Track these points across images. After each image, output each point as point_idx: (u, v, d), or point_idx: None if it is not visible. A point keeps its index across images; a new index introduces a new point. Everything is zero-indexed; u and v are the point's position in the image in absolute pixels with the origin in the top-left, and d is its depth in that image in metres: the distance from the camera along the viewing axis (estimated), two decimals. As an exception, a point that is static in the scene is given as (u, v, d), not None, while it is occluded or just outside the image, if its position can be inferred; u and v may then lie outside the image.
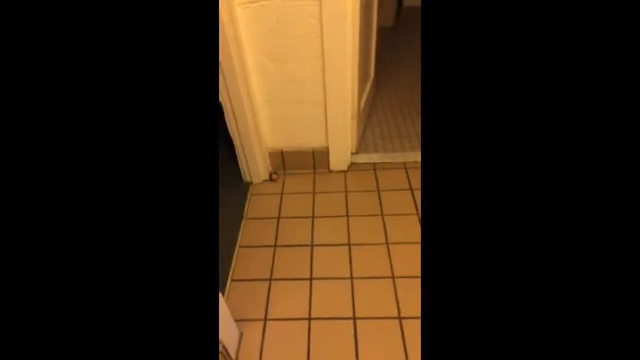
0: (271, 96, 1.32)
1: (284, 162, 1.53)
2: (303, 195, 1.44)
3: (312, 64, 1.23)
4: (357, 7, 1.15)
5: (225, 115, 1.32)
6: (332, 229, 1.29)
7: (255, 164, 1.46)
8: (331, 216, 1.34)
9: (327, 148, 1.48)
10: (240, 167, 1.49)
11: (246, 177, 1.51)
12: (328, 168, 1.54)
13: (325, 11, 1.09)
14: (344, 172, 1.53)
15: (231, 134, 1.38)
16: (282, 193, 1.45)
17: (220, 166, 1.58)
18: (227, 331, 0.94)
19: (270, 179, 1.52)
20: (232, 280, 1.15)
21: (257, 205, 1.41)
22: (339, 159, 1.51)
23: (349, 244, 1.23)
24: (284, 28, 1.14)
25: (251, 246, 1.25)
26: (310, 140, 1.46)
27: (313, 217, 1.34)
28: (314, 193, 1.45)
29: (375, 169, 1.52)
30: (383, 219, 1.31)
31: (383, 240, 1.24)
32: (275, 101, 1.34)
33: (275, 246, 1.25)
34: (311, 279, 1.14)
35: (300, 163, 1.53)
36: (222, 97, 1.27)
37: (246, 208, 1.40)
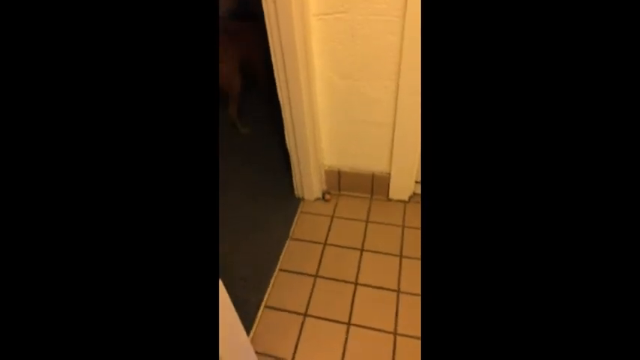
0: (336, 113, 1.22)
1: (340, 182, 1.42)
2: (355, 222, 1.32)
3: (385, 84, 1.10)
4: (446, 23, 0.99)
5: (285, 127, 1.25)
6: (381, 269, 1.15)
7: (309, 180, 1.38)
8: (383, 252, 1.20)
9: (389, 173, 1.33)
10: (294, 182, 1.41)
11: (299, 192, 1.43)
12: (387, 195, 1.39)
13: (408, 28, 0.95)
14: (404, 202, 1.38)
15: (288, 147, 1.31)
16: (332, 216, 1.35)
17: (272, 176, 1.52)
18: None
19: (323, 199, 1.42)
20: (265, 307, 1.07)
21: (305, 225, 1.32)
22: (401, 187, 1.36)
23: (398, 291, 1.08)
24: (359, 43, 1.02)
25: (291, 271, 1.17)
26: (371, 163, 1.33)
27: (362, 249, 1.22)
28: (367, 222, 1.32)
29: (440, 205, 1.34)
30: (442, 266, 1.14)
31: (438, 292, 1.07)
32: (339, 119, 1.23)
33: (316, 276, 1.15)
34: (349, 324, 1.01)
35: (357, 186, 1.41)
36: (284, 109, 1.20)
37: (292, 226, 1.32)
